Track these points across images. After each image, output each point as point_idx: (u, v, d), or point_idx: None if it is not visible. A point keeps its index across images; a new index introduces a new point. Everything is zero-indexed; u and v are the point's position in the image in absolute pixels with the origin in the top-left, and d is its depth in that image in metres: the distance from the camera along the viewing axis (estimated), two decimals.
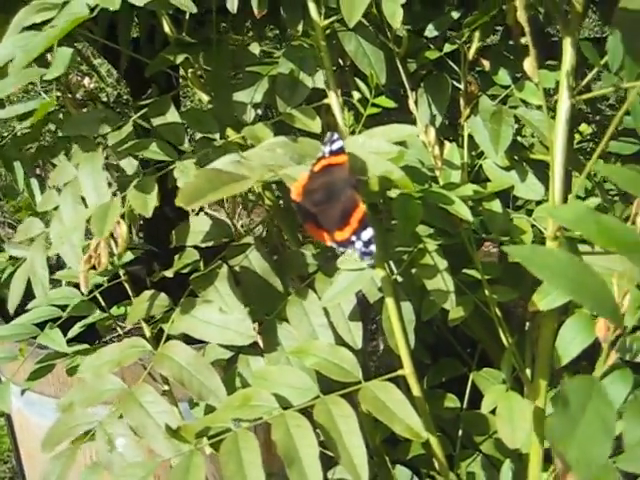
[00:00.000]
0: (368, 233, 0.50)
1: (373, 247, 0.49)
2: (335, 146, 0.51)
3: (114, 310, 0.89)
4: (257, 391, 0.56)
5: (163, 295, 0.71)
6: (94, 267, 0.64)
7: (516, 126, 0.68)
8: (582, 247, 0.64)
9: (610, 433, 0.36)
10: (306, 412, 0.56)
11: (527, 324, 0.76)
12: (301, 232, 0.77)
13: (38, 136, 0.83)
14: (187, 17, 0.75)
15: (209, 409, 0.65)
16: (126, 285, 0.84)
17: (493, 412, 0.73)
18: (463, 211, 0.56)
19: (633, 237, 0.39)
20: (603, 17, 0.90)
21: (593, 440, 0.35)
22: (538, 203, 0.74)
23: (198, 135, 0.68)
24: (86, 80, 0.92)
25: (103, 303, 0.86)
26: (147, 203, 0.58)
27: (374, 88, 0.60)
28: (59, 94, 0.88)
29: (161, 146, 0.64)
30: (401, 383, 0.62)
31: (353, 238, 0.50)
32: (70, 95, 0.78)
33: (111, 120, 0.70)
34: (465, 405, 0.80)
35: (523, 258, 0.36)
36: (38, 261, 0.69)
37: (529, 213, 0.73)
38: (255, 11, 0.69)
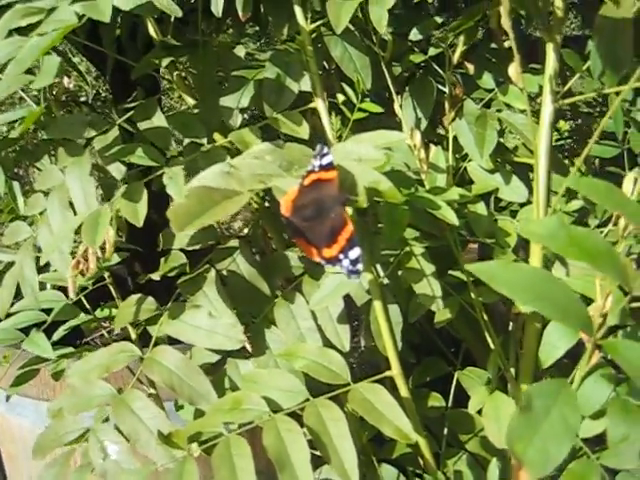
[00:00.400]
0: (355, 252, 0.50)
1: (360, 266, 0.50)
2: (325, 160, 0.51)
3: (98, 312, 0.88)
4: (247, 394, 0.57)
5: (150, 299, 0.71)
6: (82, 272, 0.64)
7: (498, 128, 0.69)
8: None
9: (571, 436, 0.37)
10: (295, 415, 0.56)
11: (510, 324, 0.77)
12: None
13: (21, 138, 0.82)
14: (172, 19, 0.75)
15: (198, 412, 0.65)
16: (111, 287, 0.83)
17: (478, 411, 0.75)
18: (450, 216, 0.57)
19: (605, 248, 0.40)
20: (583, 18, 0.92)
21: (553, 441, 0.36)
22: (521, 205, 0.76)
23: (186, 139, 0.68)
24: (65, 80, 0.91)
25: (87, 305, 0.86)
26: (137, 212, 0.58)
27: (360, 93, 0.60)
28: (36, 93, 0.87)
29: (147, 151, 0.64)
30: (386, 382, 0.62)
31: (341, 256, 0.50)
32: (54, 97, 0.77)
33: (96, 123, 0.70)
34: (450, 404, 0.81)
35: (486, 275, 0.37)
36: (27, 265, 0.68)
37: (512, 214, 0.74)
38: (240, 14, 0.69)
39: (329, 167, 0.51)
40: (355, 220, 0.59)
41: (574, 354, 0.61)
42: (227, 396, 0.58)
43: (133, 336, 0.79)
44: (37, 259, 0.75)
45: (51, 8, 0.50)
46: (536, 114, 0.64)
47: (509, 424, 0.34)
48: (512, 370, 0.69)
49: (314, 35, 0.66)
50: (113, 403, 0.62)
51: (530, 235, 0.42)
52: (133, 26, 0.90)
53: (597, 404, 0.56)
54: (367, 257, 0.61)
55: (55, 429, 0.63)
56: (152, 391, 0.78)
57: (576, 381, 0.59)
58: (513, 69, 0.57)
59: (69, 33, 0.79)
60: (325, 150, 0.51)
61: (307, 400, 0.56)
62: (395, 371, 0.62)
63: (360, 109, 0.61)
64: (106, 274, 0.82)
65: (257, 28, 1.06)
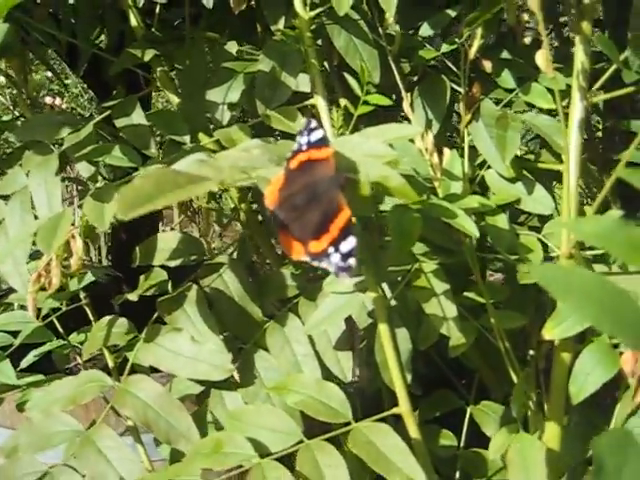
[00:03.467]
0: (349, 243, 0.40)
1: (352, 261, 0.40)
2: (315, 136, 0.43)
3: (73, 337, 0.80)
4: (230, 436, 0.48)
5: (123, 320, 0.63)
6: (44, 288, 0.56)
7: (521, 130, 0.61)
8: (597, 268, 0.58)
9: None
10: (286, 458, 0.48)
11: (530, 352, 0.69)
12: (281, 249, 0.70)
13: None
14: (157, 9, 0.69)
15: (175, 452, 0.56)
16: (87, 309, 0.75)
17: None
18: (468, 225, 0.49)
19: None
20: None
21: None
22: (541, 217, 0.68)
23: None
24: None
25: (61, 329, 0.78)
26: (104, 214, 0.50)
27: (365, 84, 0.52)
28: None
29: (125, 151, 0.56)
30: (389, 418, 0.54)
31: (330, 250, 0.40)
32: (25, 96, 0.70)
33: (70, 124, 0.62)
34: (462, 442, 0.73)
35: (545, 280, 0.29)
36: None
37: (531, 229, 0.66)
38: (232, 4, 0.62)
39: (321, 144, 0.42)
40: (359, 232, 0.50)
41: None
42: (207, 438, 0.50)
43: (111, 364, 0.71)
44: None
45: None
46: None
47: None
48: (534, 403, 0.61)
49: (314, 27, 0.59)
50: (78, 441, 0.54)
51: (583, 234, 0.34)
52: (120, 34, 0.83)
53: None
54: (372, 275, 0.53)
55: (7, 472, 0.54)
56: (130, 422, 0.69)
57: (616, 420, 0.51)
58: (541, 57, 0.49)
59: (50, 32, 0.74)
60: (313, 124, 0.43)
61: (301, 442, 0.48)
62: (403, 408, 0.53)
63: (366, 102, 0.53)
64: (82, 295, 0.74)
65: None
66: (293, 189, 0.42)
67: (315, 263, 0.41)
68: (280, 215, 0.42)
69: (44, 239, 0.49)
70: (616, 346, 0.53)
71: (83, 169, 0.57)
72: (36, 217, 0.56)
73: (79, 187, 0.92)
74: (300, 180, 0.42)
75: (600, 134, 0.82)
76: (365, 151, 0.42)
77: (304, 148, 0.42)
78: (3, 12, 0.42)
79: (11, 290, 0.97)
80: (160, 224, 1.17)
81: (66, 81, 2.55)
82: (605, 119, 0.77)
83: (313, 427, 0.53)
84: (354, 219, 0.41)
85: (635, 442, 0.31)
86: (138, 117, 0.59)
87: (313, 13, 0.56)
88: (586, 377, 0.52)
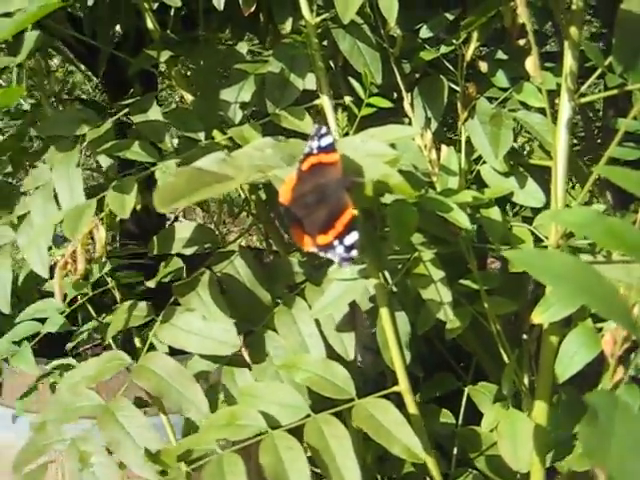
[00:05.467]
0: (352, 237, 0.46)
1: (355, 252, 0.46)
2: (324, 142, 0.47)
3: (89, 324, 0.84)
4: (244, 409, 0.53)
5: (143, 304, 0.67)
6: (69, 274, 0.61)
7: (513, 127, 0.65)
8: (584, 257, 0.62)
9: None
10: (295, 431, 0.52)
11: (523, 336, 0.74)
12: (290, 239, 0.74)
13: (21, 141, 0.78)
14: (172, 15, 0.73)
15: (188, 427, 0.61)
16: (115, 292, 0.79)
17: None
18: (461, 219, 0.53)
19: None
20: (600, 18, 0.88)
21: (629, 453, 0.33)
22: (534, 210, 0.72)
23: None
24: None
25: (93, 312, 0.82)
26: (125, 204, 0.54)
27: (368, 87, 0.56)
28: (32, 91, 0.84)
29: (143, 146, 0.61)
30: (392, 398, 0.58)
31: (335, 243, 0.46)
32: (45, 92, 0.74)
33: (91, 120, 0.66)
34: (460, 421, 0.77)
35: (525, 263, 0.33)
36: (3, 266, 0.63)
37: (524, 221, 0.70)
38: (242, 5, 0.66)
39: (330, 149, 0.47)
40: (361, 224, 0.55)
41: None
42: (222, 410, 0.54)
43: (138, 344, 0.74)
44: None
45: None
46: (552, 114, 0.60)
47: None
48: (526, 385, 0.65)
49: (320, 30, 0.63)
50: (99, 412, 0.58)
51: (565, 223, 0.38)
52: (137, 34, 0.86)
53: None
54: (374, 263, 0.57)
55: (36, 441, 0.59)
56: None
57: None
58: (531, 62, 0.53)
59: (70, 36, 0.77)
60: (324, 130, 0.47)
61: (308, 416, 0.52)
62: (403, 386, 0.57)
63: (368, 104, 0.57)
64: (109, 279, 0.78)
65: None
66: (304, 189, 0.47)
67: (322, 254, 0.47)
68: (291, 210, 0.47)
69: (69, 226, 0.53)
70: (599, 330, 0.57)
71: (103, 161, 0.62)
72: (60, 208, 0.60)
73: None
74: (311, 181, 0.47)
75: (597, 129, 0.85)
76: (367, 151, 0.47)
77: (315, 152, 0.47)
78: (34, 20, 0.46)
79: None
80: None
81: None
82: (603, 116, 0.81)
83: (318, 405, 0.57)
84: (357, 215, 0.46)
85: (623, 403, 0.36)
86: (154, 113, 0.64)
87: (319, 19, 0.60)
88: (571, 357, 0.56)
